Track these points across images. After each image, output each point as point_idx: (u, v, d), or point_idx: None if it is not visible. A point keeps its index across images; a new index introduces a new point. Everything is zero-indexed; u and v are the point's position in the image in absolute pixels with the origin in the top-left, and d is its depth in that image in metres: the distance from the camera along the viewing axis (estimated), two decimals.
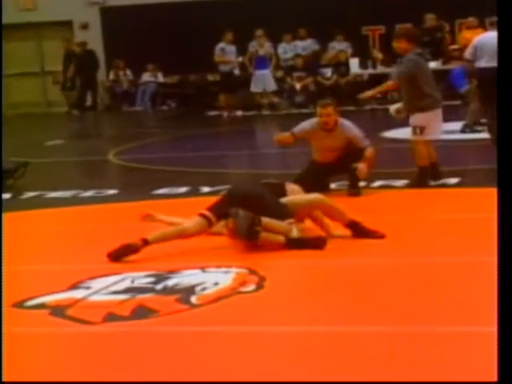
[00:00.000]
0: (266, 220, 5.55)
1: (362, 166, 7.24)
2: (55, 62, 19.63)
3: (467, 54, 10.07)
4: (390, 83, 8.09)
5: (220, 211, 5.74)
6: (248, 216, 5.44)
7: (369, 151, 7.35)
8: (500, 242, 3.31)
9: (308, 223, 5.97)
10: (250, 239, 5.48)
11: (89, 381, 3.59)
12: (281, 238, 5.60)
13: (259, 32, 17.60)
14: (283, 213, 5.74)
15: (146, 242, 5.57)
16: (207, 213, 5.78)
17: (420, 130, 7.63)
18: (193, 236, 5.75)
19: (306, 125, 7.66)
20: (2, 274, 5.47)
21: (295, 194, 6.12)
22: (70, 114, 19.44)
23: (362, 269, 5.21)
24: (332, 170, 7.56)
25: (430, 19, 17.57)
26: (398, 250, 5.59)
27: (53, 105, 20.02)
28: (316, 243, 5.57)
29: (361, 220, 5.88)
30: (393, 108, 8.07)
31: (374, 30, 19.05)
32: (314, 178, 7.36)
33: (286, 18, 18.45)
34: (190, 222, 5.77)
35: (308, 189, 6.41)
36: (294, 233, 5.61)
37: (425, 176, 7.70)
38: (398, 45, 7.72)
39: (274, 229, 5.61)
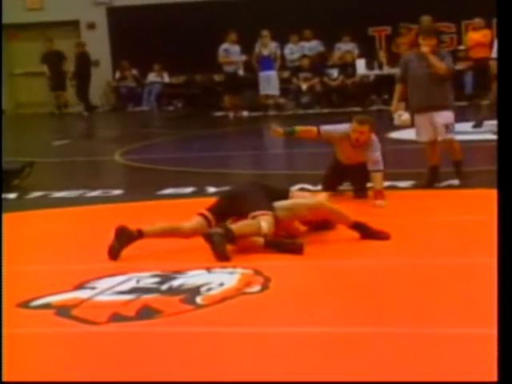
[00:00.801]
0: (236, 227, 5.53)
1: (380, 203, 6.98)
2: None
3: None
4: (400, 87, 7.91)
5: (217, 211, 5.82)
6: (221, 235, 5.41)
7: (378, 182, 7.11)
8: (500, 244, 3.31)
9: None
10: (225, 260, 5.41)
11: (93, 381, 3.59)
12: (259, 240, 5.58)
13: (264, 32, 17.58)
14: (258, 205, 5.69)
15: (141, 234, 5.63)
16: (206, 212, 5.82)
17: (450, 127, 7.60)
18: (190, 234, 5.76)
19: (334, 131, 7.35)
20: (8, 273, 5.48)
21: (301, 197, 6.12)
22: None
23: (367, 270, 5.21)
24: (352, 171, 7.40)
25: (425, 20, 17.51)
26: (403, 251, 5.59)
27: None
28: (292, 248, 5.53)
29: (366, 221, 5.88)
30: (400, 117, 7.85)
31: (380, 31, 19.04)
32: (337, 177, 7.41)
33: (293, 19, 18.45)
34: (189, 220, 5.81)
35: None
36: (264, 227, 5.56)
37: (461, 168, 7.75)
38: (430, 42, 7.58)
39: (246, 233, 5.57)
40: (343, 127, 7.34)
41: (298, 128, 7.34)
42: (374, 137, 7.23)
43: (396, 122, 7.93)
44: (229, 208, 5.80)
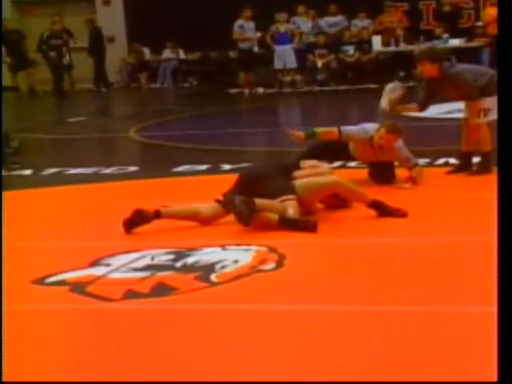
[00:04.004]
0: (260, 202, 5.51)
1: (406, 186, 6.78)
2: (77, 38, 19.60)
3: None
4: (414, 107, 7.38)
5: None
6: (243, 202, 5.40)
7: (417, 171, 6.88)
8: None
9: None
10: (247, 224, 5.42)
11: (108, 357, 3.59)
12: (274, 217, 5.56)
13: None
14: (284, 189, 5.70)
15: (158, 214, 5.63)
16: (223, 199, 5.79)
17: (486, 112, 6.98)
18: (207, 220, 5.77)
19: (356, 135, 6.91)
20: (23, 250, 5.50)
21: (310, 168, 6.07)
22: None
23: (382, 248, 5.18)
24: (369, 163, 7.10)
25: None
26: (420, 230, 5.55)
27: (76, 81, 19.99)
28: (306, 225, 5.50)
29: (383, 199, 5.84)
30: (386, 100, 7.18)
31: (397, 7, 18.88)
32: (339, 153, 7.10)
33: None
34: (206, 206, 5.79)
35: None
36: (290, 212, 5.56)
37: (489, 161, 7.12)
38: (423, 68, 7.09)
39: (268, 209, 5.57)
40: (366, 129, 6.92)
41: (318, 130, 6.92)
42: (399, 142, 6.87)
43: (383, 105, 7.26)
44: (247, 192, 5.70)
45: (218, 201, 5.82)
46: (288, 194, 5.66)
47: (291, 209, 5.56)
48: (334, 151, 7.12)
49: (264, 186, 5.74)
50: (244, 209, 5.37)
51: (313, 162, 6.23)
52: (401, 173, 6.96)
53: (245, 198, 5.44)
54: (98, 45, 19.47)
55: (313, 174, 6.03)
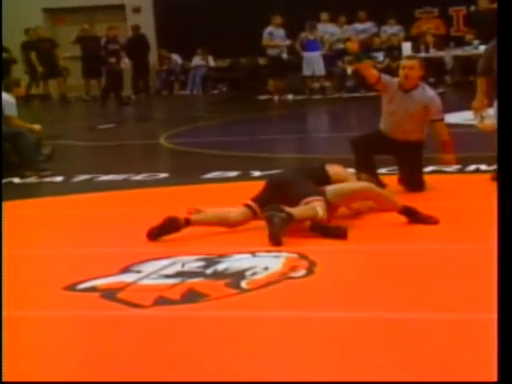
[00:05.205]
0: (296, 211, 5.49)
1: (448, 158, 6.82)
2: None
3: None
4: (483, 81, 7.06)
5: (263, 201, 5.76)
6: (282, 219, 5.36)
7: (444, 132, 6.83)
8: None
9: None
10: (279, 245, 5.36)
11: (139, 364, 3.60)
12: (306, 224, 5.56)
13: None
14: (311, 192, 5.69)
15: (188, 222, 5.65)
16: (251, 203, 5.81)
17: None
18: (236, 225, 5.77)
19: (392, 79, 7.02)
20: (55, 256, 5.53)
21: (338, 175, 6.06)
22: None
23: (414, 254, 5.16)
24: (393, 149, 6.95)
25: (482, 1, 17.24)
26: (452, 236, 5.52)
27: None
28: (337, 232, 5.48)
29: (414, 206, 5.81)
30: (482, 119, 7.05)
31: (427, 13, 18.83)
32: (372, 148, 6.94)
33: (343, 1, 18.28)
34: (235, 211, 5.80)
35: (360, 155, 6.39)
36: (320, 213, 5.53)
37: None
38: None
39: (304, 217, 5.54)
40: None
41: (366, 61, 7.04)
42: (425, 85, 6.94)
43: (477, 123, 7.26)
44: (275, 198, 5.70)
45: (246, 205, 5.82)
46: (313, 196, 5.65)
47: (320, 209, 5.54)
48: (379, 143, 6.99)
49: (291, 190, 5.74)
50: (279, 231, 5.34)
51: (337, 167, 6.21)
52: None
53: (283, 212, 5.41)
54: (141, 51, 19.44)
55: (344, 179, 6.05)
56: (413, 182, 6.91)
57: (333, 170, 6.13)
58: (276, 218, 5.38)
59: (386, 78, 7.03)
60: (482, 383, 3.18)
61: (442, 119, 6.90)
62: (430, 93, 6.95)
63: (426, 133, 6.95)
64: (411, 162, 6.91)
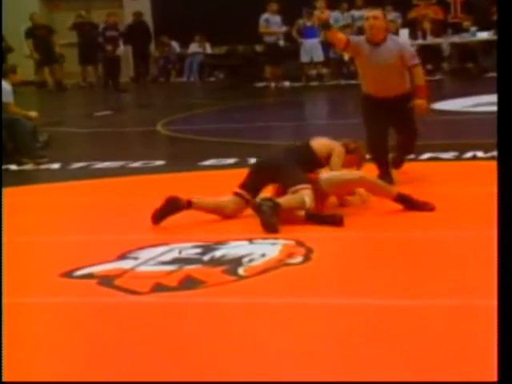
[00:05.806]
0: (283, 200, 5.53)
1: (419, 103, 6.63)
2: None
3: None
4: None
5: (251, 186, 5.82)
6: (270, 208, 5.39)
7: (419, 77, 6.68)
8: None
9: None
10: (275, 232, 5.37)
11: (136, 351, 3.61)
12: (300, 213, 5.57)
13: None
14: (299, 180, 5.71)
15: (189, 204, 5.69)
16: (240, 191, 5.82)
17: None
18: (231, 214, 5.79)
19: (355, 37, 7.01)
20: (51, 243, 5.53)
21: (322, 148, 6.05)
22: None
23: (410, 242, 5.17)
24: (389, 109, 6.70)
25: None
26: (448, 223, 5.52)
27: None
28: (333, 220, 5.49)
29: (409, 192, 5.82)
30: None
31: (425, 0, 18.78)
32: (376, 121, 6.73)
33: None
34: (228, 201, 5.82)
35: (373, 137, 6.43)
36: (308, 201, 5.55)
37: None
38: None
39: (292, 206, 5.57)
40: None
41: (336, 29, 6.93)
42: (393, 35, 6.87)
43: None
44: (262, 182, 5.83)
45: (236, 194, 5.83)
46: (301, 184, 5.67)
47: (307, 197, 5.56)
48: None
49: (279, 176, 5.78)
50: (271, 219, 5.36)
51: (323, 139, 6.20)
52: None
53: (269, 201, 5.46)
54: (142, 38, 19.36)
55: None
56: (408, 131, 6.81)
57: (316, 144, 6.12)
58: (264, 206, 5.41)
59: (353, 38, 6.90)
60: (481, 383, 3.17)
61: (417, 64, 6.75)
62: (400, 40, 7.00)
63: (409, 84, 6.82)
64: (404, 114, 6.76)
